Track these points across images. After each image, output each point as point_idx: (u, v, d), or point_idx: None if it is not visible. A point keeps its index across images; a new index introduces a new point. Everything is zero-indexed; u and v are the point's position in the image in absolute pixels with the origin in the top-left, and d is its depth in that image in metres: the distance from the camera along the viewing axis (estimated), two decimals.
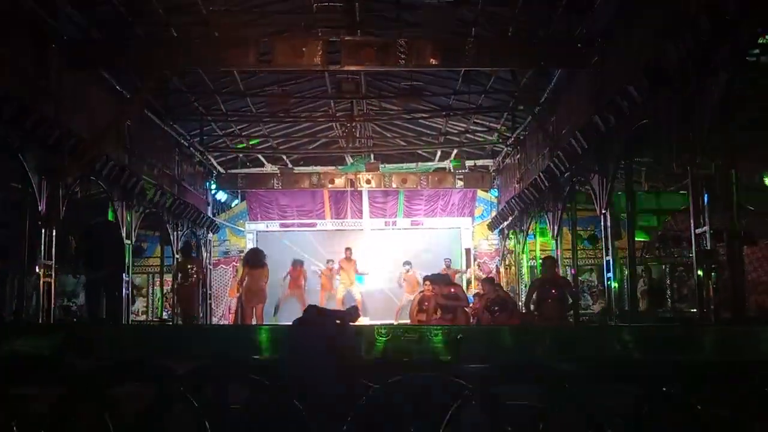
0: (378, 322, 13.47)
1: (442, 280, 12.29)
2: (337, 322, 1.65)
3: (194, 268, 14.84)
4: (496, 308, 12.08)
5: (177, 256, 15.33)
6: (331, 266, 18.53)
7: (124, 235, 12.64)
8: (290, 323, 1.68)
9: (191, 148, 17.03)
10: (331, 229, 20.28)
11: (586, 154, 11.25)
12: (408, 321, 14.09)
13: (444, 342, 1.48)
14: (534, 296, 11.44)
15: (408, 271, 18.36)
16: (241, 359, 1.59)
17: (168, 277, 16.44)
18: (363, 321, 14.59)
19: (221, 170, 19.31)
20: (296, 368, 1.57)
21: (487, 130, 18.26)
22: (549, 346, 2.83)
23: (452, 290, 12.08)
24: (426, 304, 12.60)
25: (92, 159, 11.20)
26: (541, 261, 12.77)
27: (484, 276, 17.56)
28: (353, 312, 1.77)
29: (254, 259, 13.80)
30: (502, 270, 18.89)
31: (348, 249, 18.54)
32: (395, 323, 15.98)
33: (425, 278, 12.95)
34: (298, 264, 17.52)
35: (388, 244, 19.93)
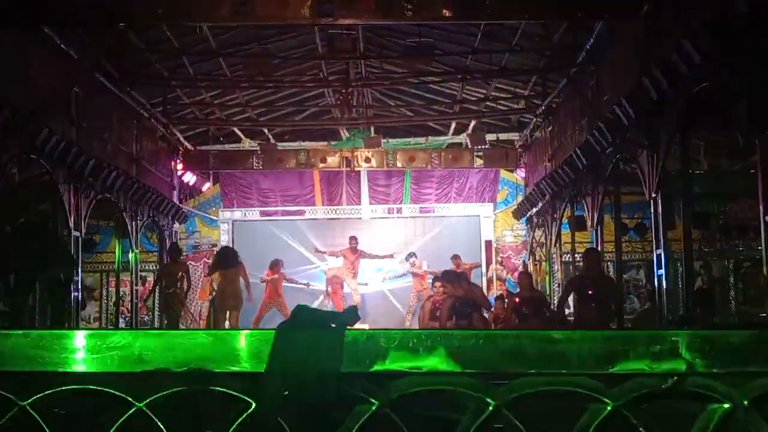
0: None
1: (456, 279, 12.28)
2: (332, 326, 1.63)
3: (181, 274, 15.50)
4: (525, 310, 12.11)
5: (165, 259, 16.20)
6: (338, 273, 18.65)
7: (72, 225, 12.65)
8: (275, 327, 1.67)
9: (153, 120, 17.00)
10: (323, 218, 20.29)
11: (632, 125, 11.20)
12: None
13: (461, 349, 1.47)
14: (570, 298, 11.44)
15: (414, 265, 18.40)
16: (219, 373, 1.58)
17: (125, 277, 16.47)
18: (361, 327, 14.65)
19: (189, 147, 19.30)
20: (284, 382, 1.55)
21: (512, 97, 18.22)
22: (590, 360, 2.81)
23: (468, 290, 12.05)
24: (439, 311, 12.67)
25: (32, 134, 11.18)
26: (582, 254, 12.78)
27: (517, 270, 17.59)
28: (351, 314, 1.76)
29: (225, 262, 14.01)
30: (530, 267, 18.90)
31: (353, 238, 18.56)
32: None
33: (435, 279, 13.00)
34: (276, 265, 17.56)
35: (391, 235, 19.95)
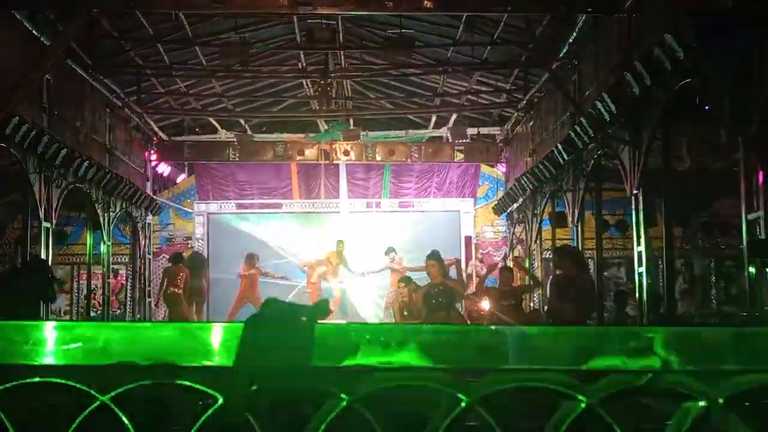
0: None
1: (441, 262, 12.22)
2: (303, 318, 1.62)
3: (183, 277, 16.53)
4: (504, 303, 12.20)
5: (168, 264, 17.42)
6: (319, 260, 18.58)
7: (42, 216, 12.55)
8: (244, 320, 1.65)
9: (126, 109, 16.90)
10: (300, 212, 20.26)
11: (615, 121, 11.25)
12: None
13: (437, 343, 1.46)
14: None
15: (393, 260, 18.42)
16: (186, 366, 1.56)
17: (97, 269, 16.38)
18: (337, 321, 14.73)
19: (164, 137, 19.20)
20: (252, 377, 1.54)
21: (493, 91, 18.26)
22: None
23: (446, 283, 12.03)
24: (407, 310, 12.84)
25: (1, 121, 11.07)
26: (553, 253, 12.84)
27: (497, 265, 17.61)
28: (323, 307, 1.74)
29: (195, 262, 14.45)
30: (510, 263, 18.94)
31: (340, 242, 18.48)
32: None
33: (400, 280, 13.17)
34: (252, 259, 17.52)
35: (370, 230, 19.95)
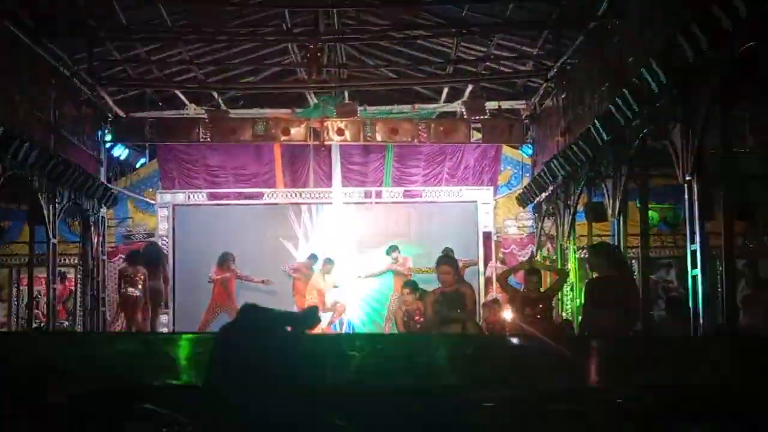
0: None
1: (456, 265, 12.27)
2: (288, 329, 1.62)
3: (143, 277, 17.01)
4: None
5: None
6: (310, 263, 18.62)
7: None
8: (218, 331, 1.64)
9: (75, 80, 16.87)
10: (284, 203, 20.28)
11: (664, 92, 11.24)
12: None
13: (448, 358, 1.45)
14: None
15: (396, 260, 18.42)
16: (145, 384, 1.56)
17: (40, 273, 16.39)
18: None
19: (120, 113, 19.20)
20: (227, 396, 1.53)
21: (517, 57, 18.24)
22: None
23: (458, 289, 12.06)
24: (416, 317, 12.83)
25: None
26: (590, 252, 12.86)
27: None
28: (311, 315, 1.73)
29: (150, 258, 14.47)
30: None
31: (328, 261, 18.47)
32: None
33: (405, 285, 13.20)
34: (226, 261, 17.53)
35: (367, 225, 19.96)
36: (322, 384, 1.46)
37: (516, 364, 3.43)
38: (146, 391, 1.52)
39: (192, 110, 19.81)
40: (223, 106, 19.95)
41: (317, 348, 1.51)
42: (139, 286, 16.98)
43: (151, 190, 20.56)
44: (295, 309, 17.85)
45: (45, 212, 15.70)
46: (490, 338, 10.00)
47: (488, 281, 19.31)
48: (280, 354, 1.57)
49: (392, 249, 18.64)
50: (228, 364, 1.56)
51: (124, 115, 19.34)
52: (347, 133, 18.85)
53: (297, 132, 18.87)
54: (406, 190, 20.57)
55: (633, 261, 14.65)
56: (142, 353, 1.55)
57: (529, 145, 19.69)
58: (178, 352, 1.53)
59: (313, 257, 18.80)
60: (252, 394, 1.53)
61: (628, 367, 4.37)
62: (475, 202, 20.25)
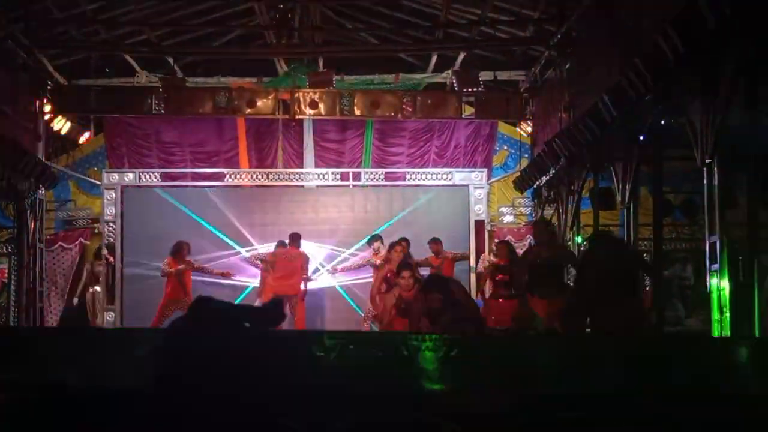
0: None
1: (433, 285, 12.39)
2: (246, 325, 1.62)
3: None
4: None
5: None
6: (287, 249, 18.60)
7: None
8: (167, 327, 1.65)
9: (10, 42, 16.80)
10: (249, 185, 20.24)
11: (682, 63, 11.28)
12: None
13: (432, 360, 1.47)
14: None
15: (378, 252, 18.41)
16: (85, 387, 1.57)
17: None
18: None
19: (61, 80, 19.13)
20: (175, 400, 1.54)
21: (515, 21, 18.26)
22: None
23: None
24: (415, 305, 12.87)
25: None
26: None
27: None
28: (275, 309, 1.74)
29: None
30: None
31: (295, 235, 18.42)
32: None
33: (401, 268, 13.13)
34: (181, 250, 17.50)
35: (344, 210, 19.96)
36: (282, 387, 1.47)
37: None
38: (85, 393, 1.53)
39: (144, 78, 19.78)
40: (179, 74, 19.87)
41: (280, 347, 1.52)
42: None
43: (96, 169, 20.50)
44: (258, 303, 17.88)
45: None
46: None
47: (479, 277, 19.30)
48: (237, 354, 1.58)
49: (375, 239, 18.52)
50: (178, 365, 1.57)
51: (66, 83, 19.28)
52: (321, 106, 18.80)
53: (264, 104, 18.82)
54: (388, 172, 20.52)
55: (645, 254, 14.69)
56: (83, 352, 1.56)
57: (529, 122, 19.70)
58: (123, 351, 1.54)
59: (281, 244, 18.73)
60: (203, 400, 1.54)
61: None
62: (467, 186, 20.21)
